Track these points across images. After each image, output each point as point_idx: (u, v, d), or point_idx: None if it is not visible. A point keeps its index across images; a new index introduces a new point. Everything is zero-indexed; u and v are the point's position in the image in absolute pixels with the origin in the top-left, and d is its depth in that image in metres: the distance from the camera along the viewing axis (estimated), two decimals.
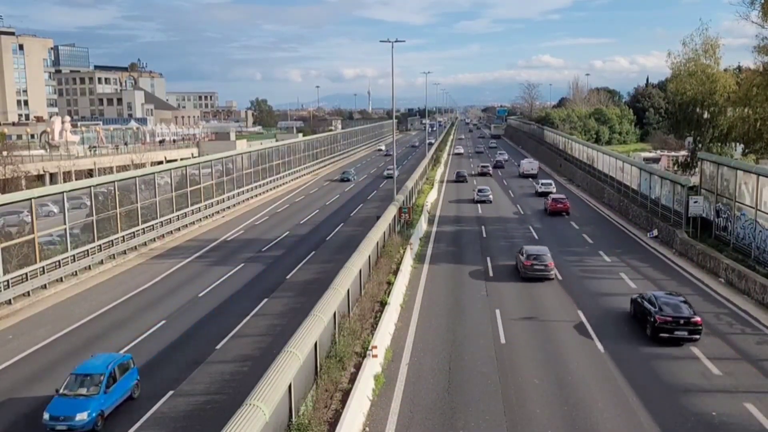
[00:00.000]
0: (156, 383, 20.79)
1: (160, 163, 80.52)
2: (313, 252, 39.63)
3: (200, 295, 30.93)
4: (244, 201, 59.83)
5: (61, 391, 18.46)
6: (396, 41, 51.36)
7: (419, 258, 36.88)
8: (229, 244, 43.19)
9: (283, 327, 25.02)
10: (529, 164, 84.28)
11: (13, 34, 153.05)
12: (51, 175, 78.17)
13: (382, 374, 20.24)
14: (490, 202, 59.15)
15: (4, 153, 66.87)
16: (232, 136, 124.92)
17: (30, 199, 31.12)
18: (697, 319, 23.26)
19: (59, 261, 32.58)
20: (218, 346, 23.93)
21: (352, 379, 18.48)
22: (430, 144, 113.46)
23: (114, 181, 39.13)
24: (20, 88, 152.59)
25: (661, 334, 23.22)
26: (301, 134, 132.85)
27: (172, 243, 43.09)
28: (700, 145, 55.39)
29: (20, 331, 26.33)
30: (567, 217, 50.77)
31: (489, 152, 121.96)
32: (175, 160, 74.29)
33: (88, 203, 37.17)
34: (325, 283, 22.64)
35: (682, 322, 23.09)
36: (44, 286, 31.21)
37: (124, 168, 76.41)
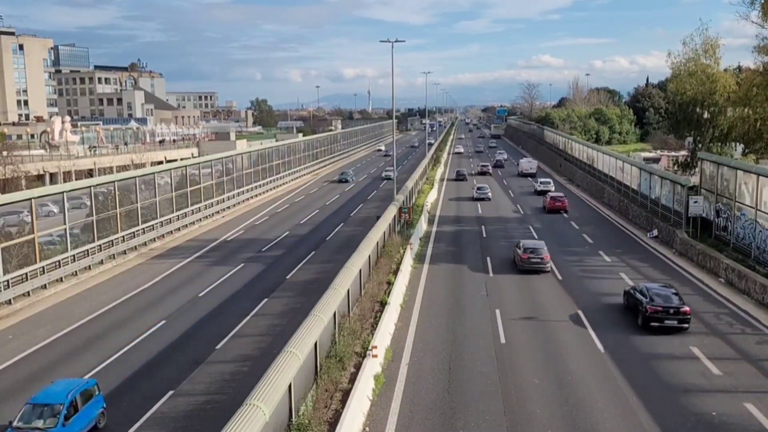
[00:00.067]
0: (156, 383, 20.79)
1: (160, 163, 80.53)
2: (313, 252, 39.63)
3: (200, 295, 30.94)
4: (244, 201, 59.83)
5: (15, 423, 16.55)
6: (396, 41, 51.39)
7: (419, 258, 36.88)
8: (229, 244, 43.20)
9: (283, 327, 25.02)
10: (528, 163, 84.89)
11: (13, 34, 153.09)
12: (51, 175, 78.18)
13: (382, 374, 20.24)
14: (489, 199, 60.05)
15: (4, 153, 66.88)
16: (232, 136, 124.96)
17: (30, 199, 31.12)
18: (686, 308, 24.28)
19: (59, 261, 32.58)
20: (218, 346, 23.93)
21: (352, 379, 18.48)
22: (430, 144, 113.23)
23: (114, 181, 39.14)
24: (20, 88, 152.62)
25: (652, 323, 24.23)
26: (301, 134, 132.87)
27: (172, 243, 43.10)
28: (700, 145, 55.39)
29: (20, 331, 26.33)
30: (567, 217, 50.80)
31: (489, 152, 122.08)
32: (175, 160, 74.31)
33: (88, 203, 37.17)
34: (325, 283, 22.64)
35: (671, 311, 24.13)
36: (44, 286, 31.22)
37: (124, 168, 76.43)
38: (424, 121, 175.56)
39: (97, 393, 18.23)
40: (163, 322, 26.97)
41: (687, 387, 19.80)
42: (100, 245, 36.00)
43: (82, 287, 32.69)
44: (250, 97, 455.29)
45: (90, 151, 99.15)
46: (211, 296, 30.72)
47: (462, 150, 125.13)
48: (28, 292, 30.14)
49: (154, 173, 44.29)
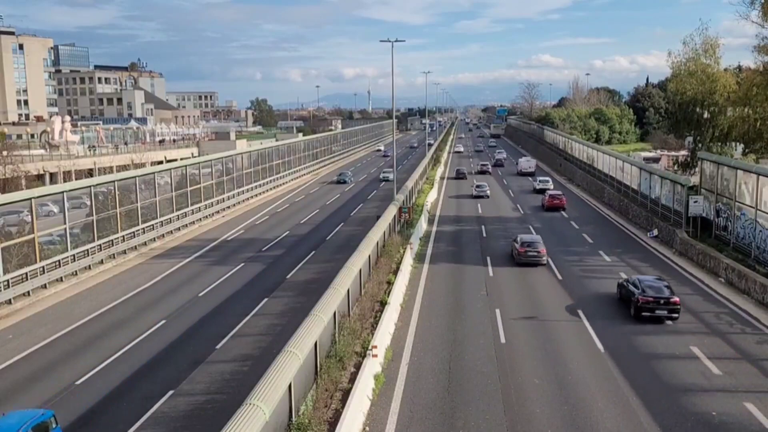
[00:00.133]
0: (156, 383, 20.79)
1: (160, 162, 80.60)
2: (313, 252, 39.63)
3: (200, 294, 30.94)
4: (244, 201, 59.83)
5: None
6: (396, 41, 51.31)
7: (419, 258, 36.88)
8: (229, 243, 43.20)
9: (283, 327, 25.02)
10: (527, 162, 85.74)
11: (13, 33, 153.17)
12: (51, 174, 78.21)
13: (382, 374, 20.24)
14: (488, 196, 61.10)
15: (4, 153, 66.91)
16: (232, 136, 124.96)
17: (30, 198, 31.11)
18: (676, 299, 25.41)
19: (59, 261, 32.57)
20: (218, 346, 23.92)
21: (352, 379, 18.47)
22: (429, 144, 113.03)
23: (114, 181, 39.13)
24: (20, 88, 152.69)
25: (643, 313, 25.39)
26: (301, 134, 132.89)
27: (172, 243, 43.10)
28: (700, 145, 55.34)
29: (20, 330, 26.33)
30: (567, 217, 50.82)
31: (488, 151, 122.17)
32: (175, 160, 74.31)
33: (88, 203, 37.16)
34: (325, 282, 22.63)
35: (662, 302, 25.28)
36: (44, 286, 31.21)
37: (124, 168, 76.47)
38: (424, 121, 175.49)
39: (54, 426, 16.38)
40: (163, 321, 26.97)
41: (687, 387, 19.79)
42: (100, 245, 36.00)
43: (82, 287, 32.69)
44: (250, 97, 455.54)
45: (90, 150, 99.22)
46: (211, 296, 30.72)
47: (462, 149, 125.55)
48: (28, 292, 30.13)
49: (154, 173, 44.28)
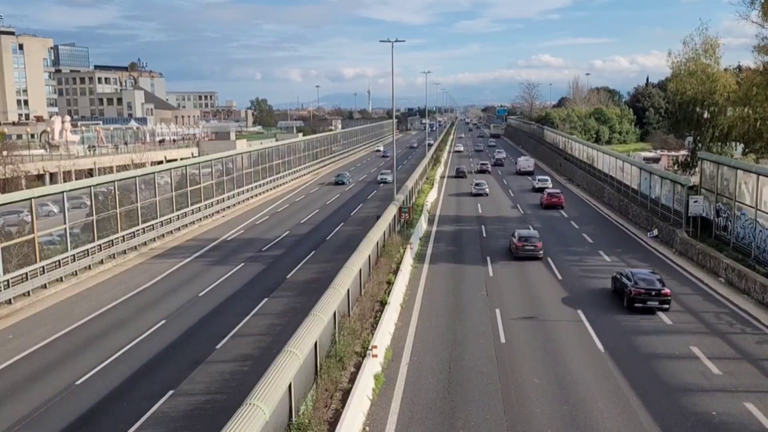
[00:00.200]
0: (156, 383, 20.79)
1: (160, 162, 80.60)
2: (313, 252, 39.63)
3: (200, 294, 30.94)
4: (244, 201, 59.84)
5: None
6: (396, 41, 51.32)
7: (419, 257, 36.89)
8: (229, 243, 43.20)
9: (283, 326, 25.03)
10: (526, 161, 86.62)
11: (13, 33, 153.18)
12: (51, 174, 78.21)
13: (382, 374, 20.24)
14: (487, 194, 62.14)
15: (4, 153, 66.92)
16: (232, 136, 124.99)
17: (30, 198, 31.11)
18: (667, 291, 26.47)
19: (59, 261, 32.57)
20: (218, 346, 23.92)
21: (352, 379, 18.48)
22: (429, 145, 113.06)
23: (114, 181, 39.13)
24: (20, 88, 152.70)
25: (636, 304, 26.40)
26: (301, 134, 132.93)
27: (172, 243, 43.10)
28: (700, 145, 55.33)
29: (20, 330, 26.33)
30: (567, 216, 50.84)
31: (488, 151, 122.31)
32: (175, 160, 74.35)
33: (88, 203, 37.16)
34: (325, 282, 22.63)
35: (653, 293, 26.34)
36: (44, 286, 31.21)
37: (124, 168, 76.47)
38: (424, 121, 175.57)
39: None
40: (163, 321, 26.97)
41: (687, 387, 19.79)
42: (100, 245, 36.00)
43: (82, 287, 32.69)
44: (250, 97, 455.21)
45: (90, 150, 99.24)
46: (211, 296, 30.72)
47: (462, 149, 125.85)
48: (28, 292, 30.13)
49: (154, 173, 44.29)
